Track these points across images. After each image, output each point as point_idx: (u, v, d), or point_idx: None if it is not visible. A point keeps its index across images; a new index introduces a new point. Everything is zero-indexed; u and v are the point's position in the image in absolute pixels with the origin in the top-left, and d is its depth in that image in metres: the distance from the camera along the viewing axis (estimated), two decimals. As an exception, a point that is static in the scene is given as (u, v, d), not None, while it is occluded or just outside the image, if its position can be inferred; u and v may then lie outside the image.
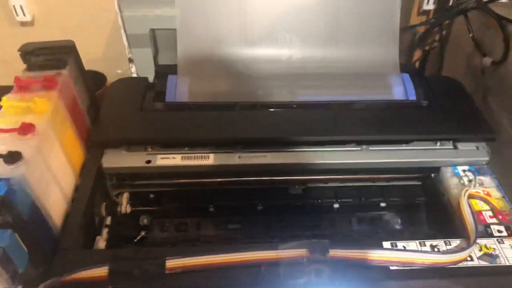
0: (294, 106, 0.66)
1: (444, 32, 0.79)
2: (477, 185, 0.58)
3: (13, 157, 0.44)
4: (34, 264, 0.44)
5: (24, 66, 0.58)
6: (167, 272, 0.45)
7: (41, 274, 0.45)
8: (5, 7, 0.79)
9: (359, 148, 0.62)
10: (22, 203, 0.43)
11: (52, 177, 0.50)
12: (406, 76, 0.71)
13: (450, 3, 0.76)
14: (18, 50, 0.58)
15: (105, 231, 0.57)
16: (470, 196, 0.56)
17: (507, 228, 0.53)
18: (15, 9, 0.78)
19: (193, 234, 0.61)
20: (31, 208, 0.45)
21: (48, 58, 0.57)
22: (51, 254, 0.48)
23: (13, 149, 0.45)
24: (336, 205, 0.64)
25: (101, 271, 0.44)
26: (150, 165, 0.58)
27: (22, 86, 0.53)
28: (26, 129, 0.47)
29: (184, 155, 0.60)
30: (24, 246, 0.42)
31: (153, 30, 0.72)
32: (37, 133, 0.48)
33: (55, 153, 0.52)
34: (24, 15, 0.79)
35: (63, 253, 0.48)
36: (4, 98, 0.51)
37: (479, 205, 0.56)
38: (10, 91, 0.53)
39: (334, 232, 0.62)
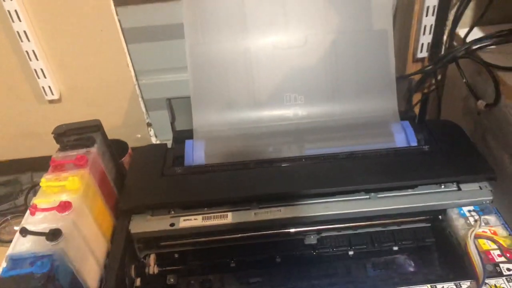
0: (303, 160, 0.71)
1: (439, 78, 0.84)
2: (483, 224, 0.60)
3: (54, 235, 0.49)
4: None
5: (53, 141, 0.65)
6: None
7: None
8: (35, 89, 0.88)
9: (368, 196, 0.65)
10: (63, 276, 0.48)
11: (87, 247, 0.55)
12: (406, 123, 0.75)
13: (442, 52, 0.82)
14: (52, 133, 0.64)
15: (135, 292, 0.61)
16: (477, 236, 0.59)
17: (516, 266, 0.55)
18: (44, 90, 0.86)
19: (217, 290, 0.65)
20: (71, 279, 0.50)
21: (78, 138, 0.64)
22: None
23: (53, 226, 0.51)
24: (350, 252, 0.67)
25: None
26: (174, 227, 0.63)
27: (56, 166, 0.60)
28: (63, 207, 0.53)
29: (204, 215, 0.64)
30: (66, 316, 0.47)
31: (169, 100, 0.79)
32: (73, 209, 0.54)
33: (88, 225, 0.57)
34: (52, 94, 0.87)
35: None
36: (43, 180, 0.57)
37: (486, 244, 0.58)
38: (47, 171, 0.59)
39: (351, 279, 0.65)
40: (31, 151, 1.02)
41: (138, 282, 0.63)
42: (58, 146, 0.65)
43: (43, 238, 0.50)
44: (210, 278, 0.66)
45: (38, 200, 0.55)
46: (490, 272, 0.54)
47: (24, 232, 0.49)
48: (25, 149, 1.01)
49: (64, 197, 0.54)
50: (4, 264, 0.47)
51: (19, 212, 0.97)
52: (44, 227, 0.51)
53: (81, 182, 0.57)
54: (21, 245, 0.49)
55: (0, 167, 1.04)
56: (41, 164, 1.05)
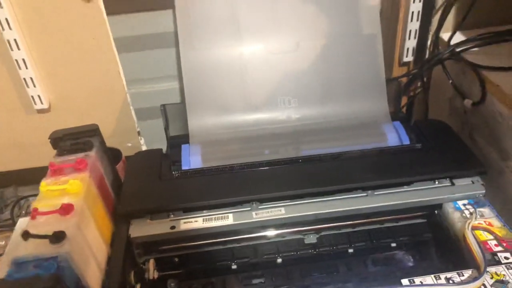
0: (300, 160, 0.71)
1: (425, 79, 0.87)
2: (478, 216, 0.63)
3: (58, 237, 0.48)
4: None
5: (44, 149, 0.64)
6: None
7: None
8: (24, 98, 0.86)
9: (365, 194, 0.66)
10: (69, 280, 0.47)
11: (90, 250, 0.54)
12: (398, 123, 0.77)
13: (427, 55, 0.85)
14: (48, 138, 0.63)
15: (136, 298, 0.60)
16: (474, 228, 0.60)
17: (513, 254, 0.57)
18: (33, 99, 0.85)
19: (220, 293, 0.64)
20: (75, 281, 0.49)
21: (76, 142, 0.63)
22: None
23: (56, 229, 0.50)
24: (350, 250, 0.68)
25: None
26: (175, 230, 0.62)
27: (55, 170, 0.59)
28: (66, 209, 0.52)
29: (205, 217, 0.64)
30: (74, 319, 0.46)
31: (164, 106, 0.79)
32: (75, 212, 0.53)
33: (90, 229, 0.56)
34: (42, 103, 0.86)
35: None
36: (42, 183, 0.56)
37: (483, 235, 0.60)
38: (46, 175, 0.58)
39: (352, 276, 0.65)
40: (16, 163, 0.99)
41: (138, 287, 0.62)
42: (43, 157, 0.63)
43: (46, 241, 0.48)
44: (212, 281, 0.65)
45: (39, 204, 0.53)
46: (489, 261, 0.56)
47: (26, 235, 0.48)
48: (10, 161, 0.98)
49: (66, 200, 0.53)
50: (7, 268, 0.46)
51: (5, 226, 0.94)
52: (47, 230, 0.49)
53: (82, 185, 0.56)
54: (24, 249, 0.48)
55: (-17, 181, 1.01)
56: (26, 177, 1.03)
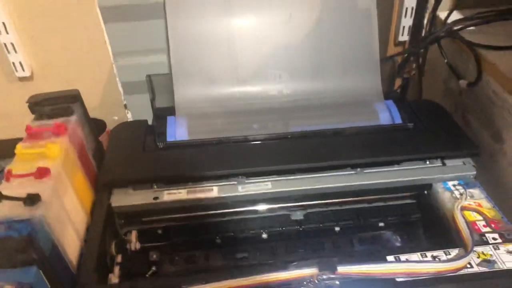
0: (289, 136, 0.70)
1: (420, 60, 0.85)
2: (468, 197, 0.62)
3: (32, 200, 0.46)
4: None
5: (26, 119, 0.61)
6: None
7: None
8: (4, 64, 0.83)
9: (354, 172, 0.65)
10: (43, 242, 0.45)
11: (67, 217, 0.52)
12: (390, 102, 0.75)
13: (423, 34, 0.83)
14: (26, 102, 0.61)
15: (116, 268, 0.58)
16: (463, 208, 0.59)
17: (500, 235, 0.56)
18: (14, 66, 0.82)
19: (202, 266, 0.63)
20: (51, 246, 0.47)
21: (55, 107, 0.60)
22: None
23: (30, 191, 0.47)
24: (337, 228, 0.66)
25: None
26: (158, 201, 0.61)
27: (33, 134, 0.56)
28: (42, 173, 0.50)
29: (189, 189, 0.62)
30: (47, 282, 0.44)
31: (149, 76, 0.76)
32: (52, 176, 0.50)
33: (68, 195, 0.54)
34: (23, 70, 0.83)
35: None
36: (18, 146, 0.54)
37: (472, 216, 0.59)
38: (21, 141, 0.56)
39: (338, 254, 0.64)
40: (-3, 133, 0.96)
41: (119, 258, 0.60)
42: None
43: (20, 203, 0.46)
44: (195, 254, 0.64)
45: (13, 167, 0.51)
46: (477, 241, 0.55)
47: (-1, 197, 0.46)
48: (-9, 131, 0.95)
49: (42, 164, 0.51)
50: (-23, 230, 0.44)
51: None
52: (21, 192, 0.47)
53: (60, 149, 0.54)
54: (-5, 211, 0.46)
55: (-36, 151, 0.98)
56: (7, 148, 0.99)
